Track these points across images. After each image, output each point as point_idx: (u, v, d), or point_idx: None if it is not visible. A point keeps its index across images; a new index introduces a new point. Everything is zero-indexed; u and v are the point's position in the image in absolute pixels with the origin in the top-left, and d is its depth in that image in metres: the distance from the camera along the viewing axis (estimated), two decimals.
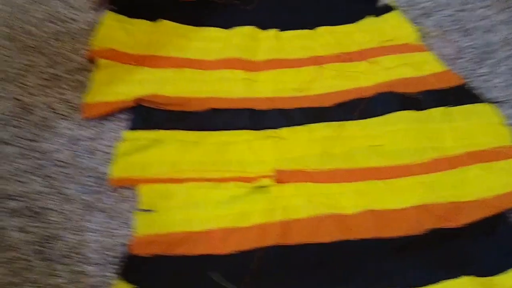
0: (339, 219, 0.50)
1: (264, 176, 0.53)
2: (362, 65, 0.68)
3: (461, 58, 0.71)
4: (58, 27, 0.67)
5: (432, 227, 0.50)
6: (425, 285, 0.46)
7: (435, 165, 0.55)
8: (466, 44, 0.73)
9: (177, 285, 0.46)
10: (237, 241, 0.49)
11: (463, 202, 0.52)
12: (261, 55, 0.67)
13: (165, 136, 0.57)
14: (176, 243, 0.48)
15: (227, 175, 0.54)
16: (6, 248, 0.48)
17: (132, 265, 0.47)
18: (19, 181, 0.52)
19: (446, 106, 0.61)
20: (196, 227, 0.50)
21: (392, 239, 0.49)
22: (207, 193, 0.52)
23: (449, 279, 0.46)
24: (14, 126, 0.56)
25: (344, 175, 0.54)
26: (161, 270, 0.47)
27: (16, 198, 0.51)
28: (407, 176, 0.54)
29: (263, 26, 0.71)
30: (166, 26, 0.69)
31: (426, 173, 0.54)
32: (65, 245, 0.49)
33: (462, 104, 0.62)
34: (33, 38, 0.65)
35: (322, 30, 0.73)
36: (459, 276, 0.46)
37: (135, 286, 0.46)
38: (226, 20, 0.71)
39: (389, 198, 0.52)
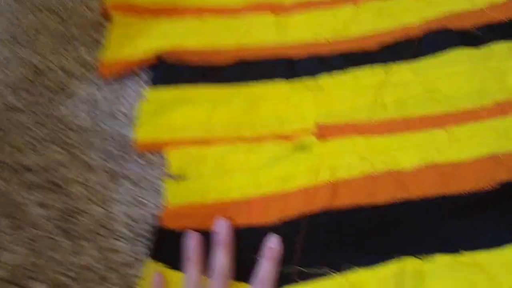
0: (397, 176, 0.44)
1: (305, 132, 0.47)
2: (405, 1, 0.59)
3: None
4: None
5: (505, 180, 0.43)
6: (499, 246, 0.40)
7: (505, 108, 0.47)
8: None
9: None
10: (280, 209, 0.43)
11: None
12: None
13: (192, 94, 0.50)
14: (212, 215, 0.43)
15: (264, 133, 0.48)
16: (27, 226, 0.43)
17: (164, 242, 0.42)
18: (35, 151, 0.48)
19: (510, 41, 0.52)
20: (234, 194, 0.44)
21: (458, 196, 0.43)
22: (243, 157, 0.46)
23: None
24: (27, 92, 0.51)
25: (398, 125, 0.47)
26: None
27: (34, 169, 0.46)
28: (473, 122, 0.47)
29: None
30: None
31: (495, 117, 0.47)
32: (91, 219, 0.44)
33: None
34: None
35: None
36: None
37: (168, 265, 0.41)
38: None
39: (453, 149, 0.45)
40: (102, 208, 0.45)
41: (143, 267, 0.41)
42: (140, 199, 0.46)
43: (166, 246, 0.42)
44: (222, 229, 0.41)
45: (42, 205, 0.44)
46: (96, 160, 0.48)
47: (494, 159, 0.44)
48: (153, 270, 0.40)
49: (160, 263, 0.41)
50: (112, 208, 0.45)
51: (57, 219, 0.44)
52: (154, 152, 0.48)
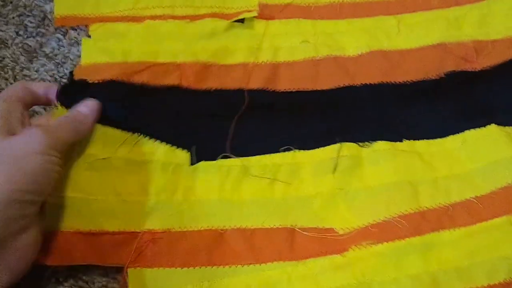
0: (341, 62, 0.41)
1: (246, 11, 0.43)
2: None
3: None
4: None
5: (452, 70, 0.41)
6: (445, 135, 0.39)
7: None
8: None
9: (137, 113, 0.37)
10: (216, 78, 0.39)
11: (488, 41, 0.42)
12: None
13: None
14: (135, 69, 0.38)
15: (202, 11, 0.43)
16: None
17: (76, 90, 0.36)
18: None
19: None
20: (163, 58, 0.39)
21: (405, 84, 0.41)
22: (177, 27, 0.41)
23: (473, 129, 0.38)
24: None
25: (347, 10, 0.44)
26: (115, 97, 0.36)
27: None
28: (425, 10, 0.44)
29: None
30: None
31: (448, 7, 0.44)
32: None
33: None
34: None
35: None
36: (484, 124, 0.38)
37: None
38: None
39: (402, 37, 0.42)
40: None
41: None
42: (59, 78, 0.41)
43: (73, 93, 0.36)
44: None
45: None
46: (11, 35, 0.42)
47: (442, 48, 0.42)
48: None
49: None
50: None
51: None
52: (78, 30, 0.43)
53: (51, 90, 0.35)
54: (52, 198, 0.32)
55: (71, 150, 0.33)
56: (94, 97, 0.35)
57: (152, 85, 0.38)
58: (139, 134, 0.36)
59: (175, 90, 0.38)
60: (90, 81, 0.36)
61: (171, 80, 0.38)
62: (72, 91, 0.36)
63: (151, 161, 0.35)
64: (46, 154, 0.29)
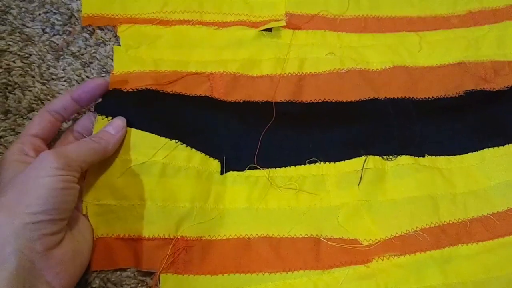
0: (366, 75, 0.42)
1: (273, 20, 0.43)
2: None
3: None
4: None
5: (471, 89, 0.43)
6: (464, 152, 0.40)
7: (477, 17, 0.46)
8: None
9: (171, 127, 0.37)
10: (245, 90, 0.40)
11: (506, 62, 0.44)
12: None
13: None
14: (169, 79, 0.39)
15: (229, 18, 0.44)
16: None
17: (112, 99, 0.37)
18: None
19: None
20: (193, 68, 0.40)
21: (426, 100, 0.42)
22: (206, 35, 0.42)
23: (492, 147, 0.40)
24: None
25: (371, 24, 0.45)
26: (150, 106, 0.37)
27: None
28: (444, 29, 0.45)
29: None
30: None
31: (467, 26, 0.45)
32: (30, 95, 0.40)
33: None
34: None
35: None
36: (503, 144, 0.40)
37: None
38: None
39: (423, 53, 0.44)
40: (43, 84, 0.40)
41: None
42: (85, 78, 0.41)
43: (115, 103, 0.37)
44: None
45: None
46: (38, 32, 0.42)
47: (461, 67, 0.43)
48: (101, 125, 0.36)
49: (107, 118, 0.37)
50: (53, 85, 0.41)
51: None
52: (105, 30, 0.43)
53: (74, 96, 0.36)
54: (92, 207, 0.33)
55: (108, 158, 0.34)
56: (129, 106, 0.36)
57: (184, 95, 0.39)
58: (176, 140, 0.36)
59: (206, 101, 0.39)
60: (125, 90, 0.37)
61: (202, 91, 0.39)
62: (108, 100, 0.37)
63: (187, 168, 0.36)
64: (57, 176, 0.30)
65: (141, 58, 0.39)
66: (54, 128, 0.36)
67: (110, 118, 0.36)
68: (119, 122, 0.36)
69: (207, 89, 0.39)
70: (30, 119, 0.39)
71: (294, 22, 0.44)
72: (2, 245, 0.27)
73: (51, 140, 0.37)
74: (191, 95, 0.39)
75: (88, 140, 0.34)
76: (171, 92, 0.38)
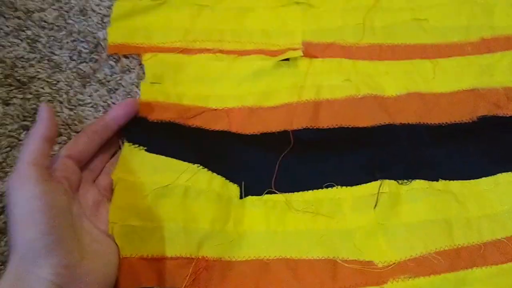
0: (381, 101, 0.43)
1: (291, 49, 0.45)
2: None
3: None
4: None
5: (484, 115, 0.44)
6: (478, 177, 0.41)
7: (490, 44, 0.47)
8: None
9: (192, 155, 0.39)
10: (262, 121, 0.42)
11: None
12: None
13: None
14: (190, 114, 0.41)
15: (248, 47, 0.45)
16: None
17: (139, 128, 0.40)
18: None
19: None
20: (214, 104, 0.42)
21: (440, 125, 0.43)
22: (226, 67, 0.44)
23: (506, 172, 0.41)
24: None
25: (385, 52, 0.46)
26: (173, 136, 0.40)
27: None
28: (458, 56, 0.46)
29: None
30: None
31: (480, 53, 0.47)
32: (57, 120, 0.42)
33: None
34: None
35: None
36: None
37: (143, 147, 0.39)
38: None
39: (437, 80, 0.45)
40: (70, 110, 0.42)
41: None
42: (111, 104, 0.43)
43: (141, 132, 0.39)
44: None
45: (5, 102, 0.41)
46: (65, 59, 0.44)
47: (474, 93, 0.44)
48: (128, 151, 0.38)
49: (137, 146, 0.39)
50: (80, 111, 0.42)
51: (22, 118, 0.41)
52: (130, 58, 0.45)
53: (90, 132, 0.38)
54: (118, 228, 0.35)
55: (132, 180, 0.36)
56: (154, 135, 0.39)
57: (205, 129, 0.41)
58: (198, 165, 0.38)
59: (225, 134, 0.41)
60: (150, 120, 0.40)
61: (221, 126, 0.42)
62: (136, 129, 0.39)
63: (208, 191, 0.37)
64: (38, 195, 0.30)
65: (165, 91, 0.42)
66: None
67: (136, 145, 0.38)
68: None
69: (226, 123, 0.42)
70: (58, 143, 0.40)
71: (311, 51, 0.45)
72: None
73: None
74: (211, 129, 0.41)
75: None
76: (192, 126, 0.41)
